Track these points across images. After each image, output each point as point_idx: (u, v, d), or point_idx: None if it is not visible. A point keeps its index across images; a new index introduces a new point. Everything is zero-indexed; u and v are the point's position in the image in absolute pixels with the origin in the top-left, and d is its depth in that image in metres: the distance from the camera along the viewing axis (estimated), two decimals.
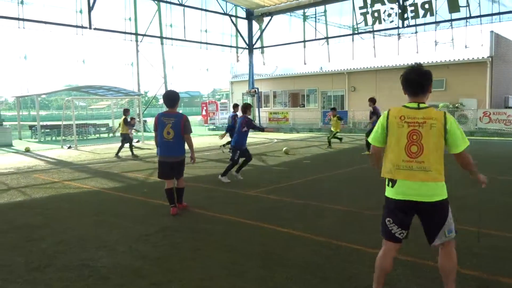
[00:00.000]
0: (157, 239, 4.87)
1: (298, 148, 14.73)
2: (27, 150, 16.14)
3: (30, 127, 24.97)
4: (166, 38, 25.04)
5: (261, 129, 9.02)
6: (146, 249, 4.54)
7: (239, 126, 8.30)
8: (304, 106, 27.49)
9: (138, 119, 19.52)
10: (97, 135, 24.12)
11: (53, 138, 22.24)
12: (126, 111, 14.02)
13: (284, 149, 13.80)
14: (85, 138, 22.76)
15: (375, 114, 12.29)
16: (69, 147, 17.08)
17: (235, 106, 13.70)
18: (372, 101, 12.48)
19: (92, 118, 44.31)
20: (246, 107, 8.51)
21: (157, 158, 6.11)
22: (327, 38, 30.09)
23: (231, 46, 28.55)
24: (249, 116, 8.47)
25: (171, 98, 6.01)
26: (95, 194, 7.71)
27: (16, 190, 8.20)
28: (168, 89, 29.85)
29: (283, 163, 11.45)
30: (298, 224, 5.37)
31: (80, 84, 31.10)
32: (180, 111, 6.44)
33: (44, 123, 25.54)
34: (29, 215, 6.17)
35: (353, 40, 29.73)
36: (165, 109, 6.25)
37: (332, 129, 15.34)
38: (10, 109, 61.45)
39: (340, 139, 15.77)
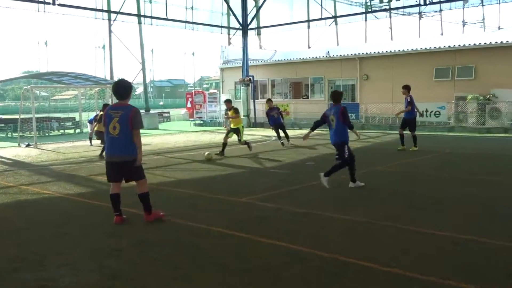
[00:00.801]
0: (132, 254, 4.84)
1: (300, 147, 14.74)
2: None
3: None
4: (144, 16, 24.96)
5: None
6: (119, 266, 4.51)
7: (339, 116, 8.00)
8: (307, 98, 27.51)
9: None
10: (61, 131, 24.01)
11: (9, 134, 22.13)
12: (106, 106, 14.03)
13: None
14: (47, 134, 22.65)
15: (411, 103, 12.92)
16: (28, 145, 16.98)
17: (269, 100, 16.89)
18: (407, 88, 13.10)
19: (55, 110, 44.14)
20: (340, 95, 8.42)
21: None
22: (335, 17, 30.14)
23: (221, 27, 28.51)
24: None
25: (121, 88, 6.02)
26: (58, 201, 7.65)
27: None
28: (142, 77, 29.65)
29: (282, 165, 11.44)
30: (299, 236, 5.35)
31: (41, 71, 30.97)
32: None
33: None
34: None
35: (366, 20, 29.91)
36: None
37: (232, 126, 13.34)
38: None
39: (223, 150, 12.95)
